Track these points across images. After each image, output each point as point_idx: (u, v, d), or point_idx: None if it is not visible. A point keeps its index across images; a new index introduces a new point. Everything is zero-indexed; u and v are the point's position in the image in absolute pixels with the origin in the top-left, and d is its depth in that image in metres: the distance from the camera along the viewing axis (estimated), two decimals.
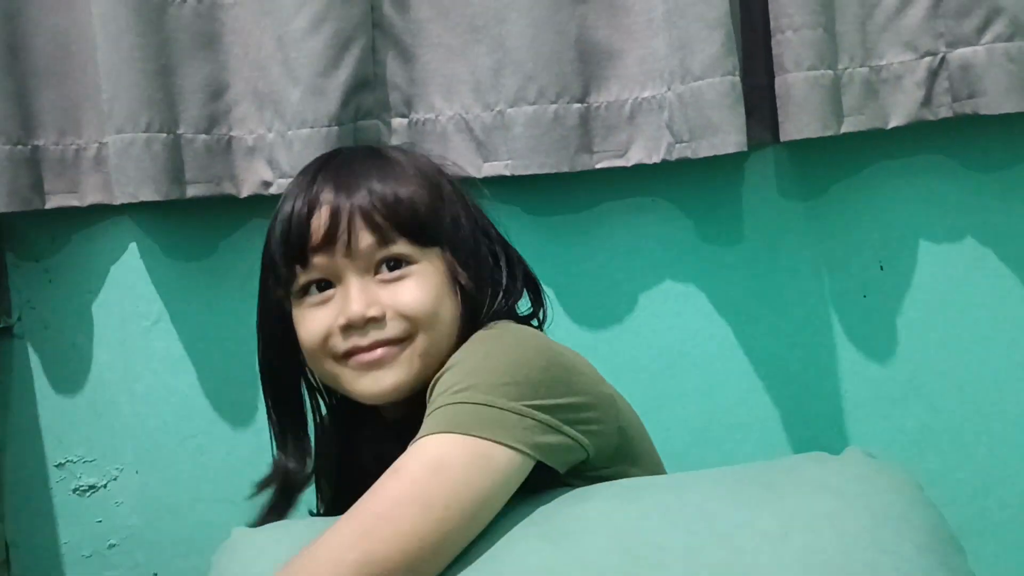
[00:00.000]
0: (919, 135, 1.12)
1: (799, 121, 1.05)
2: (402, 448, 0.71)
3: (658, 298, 1.15)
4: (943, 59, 1.07)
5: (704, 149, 1.05)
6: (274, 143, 1.11)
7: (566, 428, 0.73)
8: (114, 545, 1.17)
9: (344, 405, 0.90)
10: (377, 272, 0.80)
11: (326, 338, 0.80)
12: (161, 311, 1.16)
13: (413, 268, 0.80)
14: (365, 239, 0.79)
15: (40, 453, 1.17)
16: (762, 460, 1.13)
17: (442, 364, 0.77)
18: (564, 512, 0.72)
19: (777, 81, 1.07)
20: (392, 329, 0.79)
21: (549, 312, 0.92)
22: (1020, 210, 1.13)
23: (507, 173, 1.10)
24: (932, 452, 1.15)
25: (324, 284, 0.81)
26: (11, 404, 1.17)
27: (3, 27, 1.09)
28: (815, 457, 0.78)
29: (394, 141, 1.12)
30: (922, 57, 1.08)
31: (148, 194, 1.08)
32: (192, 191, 1.11)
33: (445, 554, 0.68)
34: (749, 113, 1.06)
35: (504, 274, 0.86)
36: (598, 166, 1.11)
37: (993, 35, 1.04)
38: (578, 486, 0.75)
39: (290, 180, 1.06)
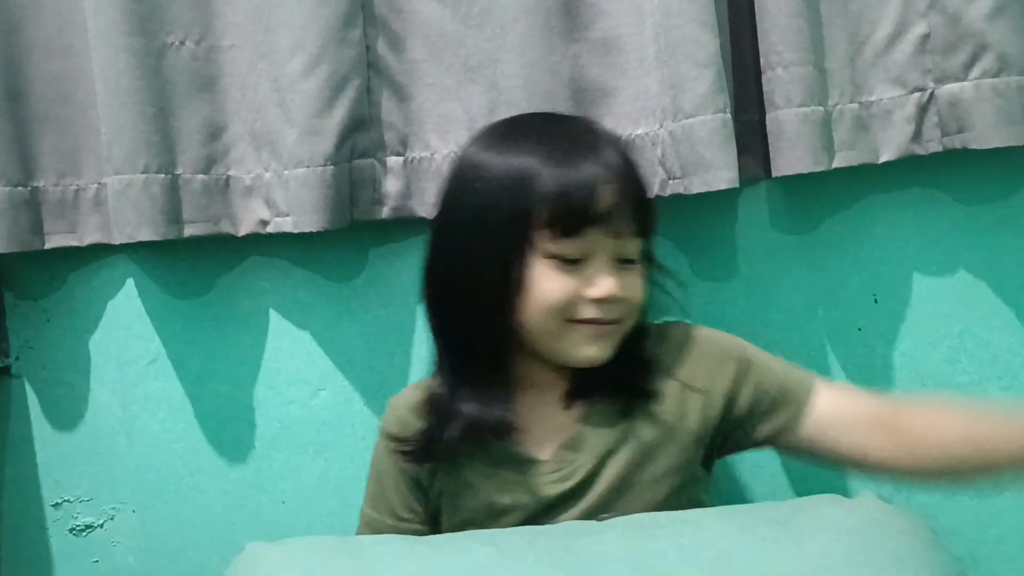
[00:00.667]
0: (910, 169, 1.12)
1: (791, 156, 1.06)
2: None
3: None
4: (932, 94, 1.08)
5: (697, 185, 1.06)
6: (271, 183, 1.12)
7: None
8: None
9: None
10: (619, 256, 0.89)
11: (570, 301, 0.87)
12: (159, 350, 1.17)
13: (637, 264, 0.91)
14: (631, 228, 0.88)
15: (37, 493, 1.17)
16: (762, 494, 1.13)
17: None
18: (582, 545, 0.72)
19: (768, 117, 1.07)
20: (621, 311, 0.89)
21: None
22: (1012, 242, 1.14)
23: None
24: (929, 487, 1.14)
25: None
26: (8, 444, 1.17)
27: (4, 73, 1.11)
28: (830, 499, 0.78)
29: (389, 179, 1.13)
30: (911, 93, 1.09)
31: (146, 234, 1.09)
32: (190, 230, 1.11)
33: None
34: (742, 149, 1.06)
35: None
36: None
37: (980, 70, 1.05)
38: None
39: (287, 218, 1.10)
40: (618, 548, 0.71)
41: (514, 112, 1.07)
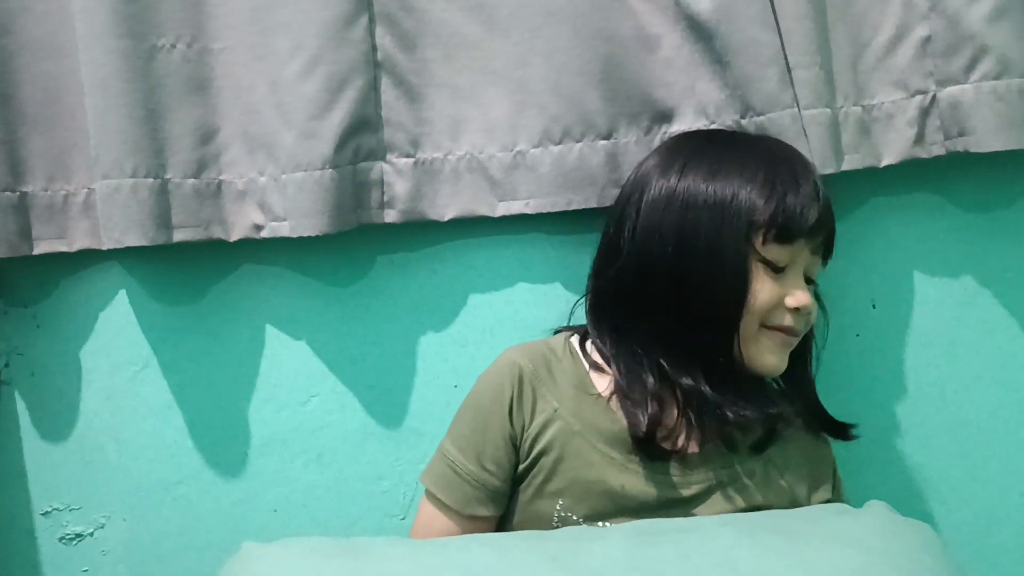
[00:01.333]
0: (912, 173, 1.11)
1: None
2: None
3: None
4: (934, 97, 1.07)
5: None
6: (266, 186, 1.10)
7: None
8: None
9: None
10: (806, 272, 0.96)
11: (773, 306, 0.92)
12: (149, 357, 1.15)
13: (814, 286, 0.98)
14: (823, 247, 0.97)
15: (26, 501, 1.15)
16: None
17: None
18: (587, 550, 0.71)
19: None
20: (805, 324, 0.95)
21: None
22: (1013, 248, 1.13)
23: (529, 211, 1.10)
24: (927, 494, 1.14)
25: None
26: None
27: None
28: (837, 508, 0.77)
29: (399, 182, 1.10)
30: (913, 96, 1.08)
31: (135, 239, 1.07)
32: (180, 235, 1.09)
33: None
34: None
35: None
36: None
37: (980, 73, 1.04)
38: None
39: (284, 223, 1.08)
40: (622, 554, 0.70)
41: (542, 116, 1.08)
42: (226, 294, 1.15)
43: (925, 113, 1.08)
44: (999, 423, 1.14)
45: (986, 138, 1.04)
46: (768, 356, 0.93)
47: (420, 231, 1.14)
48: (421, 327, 1.14)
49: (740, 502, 0.93)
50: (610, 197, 1.07)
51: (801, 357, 1.00)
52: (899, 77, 1.08)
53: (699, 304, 0.92)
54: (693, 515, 0.90)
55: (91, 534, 1.15)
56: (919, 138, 1.08)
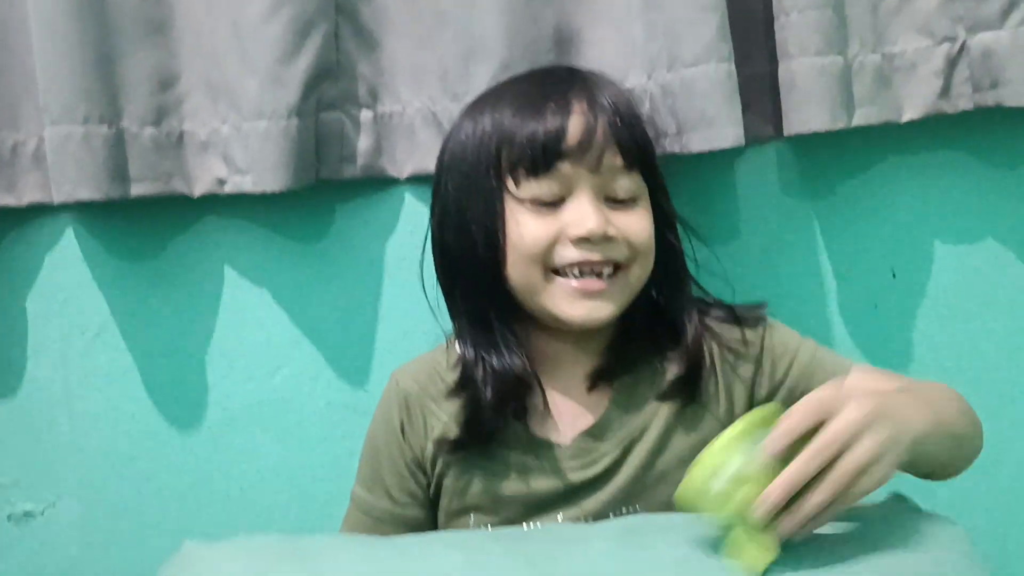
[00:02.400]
0: (936, 129, 1.03)
1: (805, 113, 0.98)
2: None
3: None
4: (963, 45, 0.99)
5: (697, 143, 0.99)
6: (229, 137, 1.04)
7: None
8: None
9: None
10: (607, 194, 0.84)
11: (550, 246, 0.82)
12: (105, 321, 1.08)
13: (638, 200, 0.85)
14: (614, 159, 0.83)
15: None
16: None
17: (634, 303, 0.85)
18: (566, 552, 0.66)
19: (780, 68, 0.99)
20: (616, 252, 0.83)
21: None
22: None
23: None
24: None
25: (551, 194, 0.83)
26: None
27: None
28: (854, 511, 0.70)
29: (362, 136, 1.05)
30: (940, 43, 1.00)
31: (88, 193, 1.01)
32: (137, 189, 1.03)
33: None
34: (747, 106, 0.99)
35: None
36: None
37: (1018, 18, 0.96)
38: None
39: (246, 176, 1.02)
40: (606, 557, 0.63)
41: (491, 62, 1.00)
42: (187, 251, 1.09)
43: (953, 63, 1.00)
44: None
45: (1022, 90, 0.96)
46: (565, 306, 0.82)
47: (379, 185, 1.08)
48: (391, 285, 1.08)
49: (664, 456, 0.86)
50: None
51: (667, 287, 0.89)
52: (924, 22, 1.00)
53: (473, 263, 0.85)
54: (614, 488, 0.85)
55: (42, 513, 1.10)
56: (945, 91, 1.00)
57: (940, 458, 0.75)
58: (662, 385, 0.87)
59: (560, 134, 0.81)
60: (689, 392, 0.86)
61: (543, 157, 0.81)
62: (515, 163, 0.82)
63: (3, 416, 1.08)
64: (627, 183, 0.84)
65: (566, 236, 0.82)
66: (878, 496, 0.72)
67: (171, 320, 1.08)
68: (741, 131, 0.97)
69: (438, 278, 0.91)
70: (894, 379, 0.79)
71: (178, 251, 1.08)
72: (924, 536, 0.66)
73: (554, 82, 0.86)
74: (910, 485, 0.78)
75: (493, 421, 0.85)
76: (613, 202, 0.84)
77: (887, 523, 0.67)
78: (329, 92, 1.03)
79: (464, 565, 0.63)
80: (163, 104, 1.04)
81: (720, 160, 1.04)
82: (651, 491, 0.85)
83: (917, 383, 0.80)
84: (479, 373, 0.85)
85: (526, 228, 0.82)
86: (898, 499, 0.72)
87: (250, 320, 1.09)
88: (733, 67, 0.97)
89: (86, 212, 1.07)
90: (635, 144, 0.84)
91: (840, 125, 0.97)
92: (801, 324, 1.05)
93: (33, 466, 1.08)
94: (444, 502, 0.89)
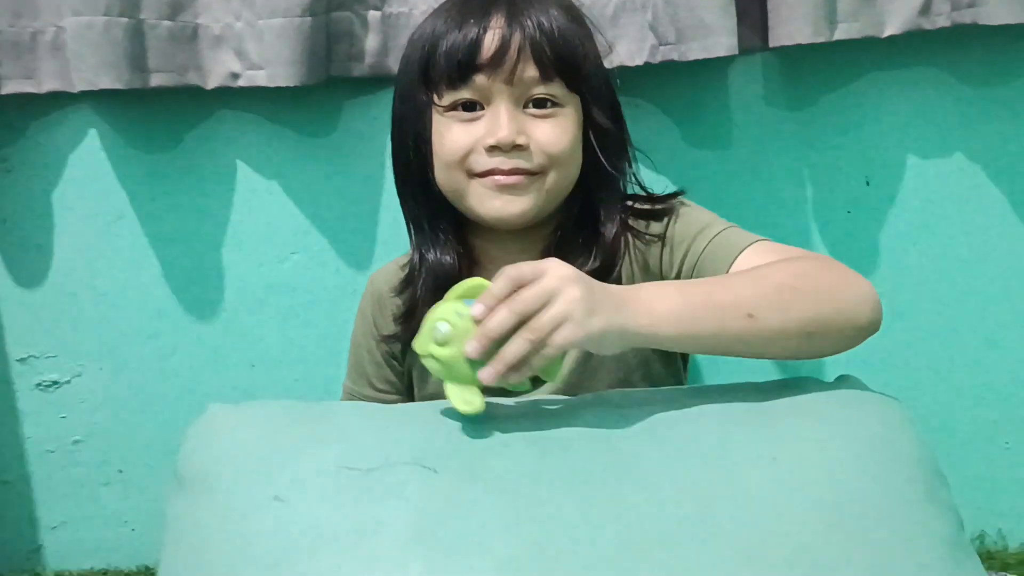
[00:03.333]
0: (915, 46, 1.07)
1: (791, 26, 1.01)
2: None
3: None
4: None
5: (695, 51, 1.02)
6: (243, 33, 1.07)
7: None
8: (79, 441, 1.16)
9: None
10: (526, 105, 0.85)
11: (467, 154, 0.84)
12: (124, 206, 1.13)
13: (560, 110, 0.86)
14: (529, 70, 0.84)
15: (1, 347, 1.15)
16: (740, 375, 1.13)
17: (557, 206, 0.87)
18: (553, 420, 0.71)
19: None
20: (531, 161, 0.84)
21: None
22: (1013, 127, 1.10)
23: None
24: (908, 370, 1.14)
25: (470, 104, 0.85)
26: None
27: None
28: (807, 382, 0.77)
29: (370, 35, 1.08)
30: None
31: (108, 81, 1.03)
32: (156, 80, 1.06)
33: None
34: (738, 17, 1.01)
35: (626, 141, 0.92)
36: None
37: None
38: None
39: (260, 71, 1.05)
40: (589, 427, 0.70)
41: None
42: (201, 141, 1.13)
43: None
44: (985, 305, 1.13)
45: (999, 9, 1.00)
46: (484, 202, 0.85)
47: (387, 84, 1.08)
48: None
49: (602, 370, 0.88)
50: None
51: (601, 189, 0.89)
52: None
53: (410, 169, 0.88)
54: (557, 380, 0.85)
55: (68, 382, 1.16)
56: (925, 8, 1.03)
57: (752, 344, 0.72)
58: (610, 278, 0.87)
59: (475, 47, 0.83)
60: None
61: (458, 70, 0.83)
62: (438, 76, 0.85)
63: (31, 293, 1.14)
64: (548, 88, 0.84)
65: (480, 144, 0.84)
66: (828, 377, 0.79)
67: (187, 208, 1.13)
68: (735, 41, 1.00)
69: (395, 183, 0.94)
70: (782, 252, 0.81)
71: (193, 143, 1.12)
72: (863, 411, 0.73)
73: (490, 2, 0.86)
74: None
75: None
76: (535, 114, 0.85)
77: (829, 399, 0.73)
78: None
79: (461, 427, 0.69)
80: None
81: (710, 69, 1.08)
82: (591, 379, 0.88)
83: (777, 266, 0.77)
84: (419, 270, 0.89)
85: (448, 137, 0.85)
86: (847, 379, 0.78)
87: (261, 209, 1.13)
88: None
89: (105, 104, 1.10)
90: (555, 57, 0.84)
91: (822, 38, 1.01)
92: (779, 226, 1.12)
93: (60, 340, 1.14)
94: (416, 388, 0.95)
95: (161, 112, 1.11)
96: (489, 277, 0.70)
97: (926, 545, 0.64)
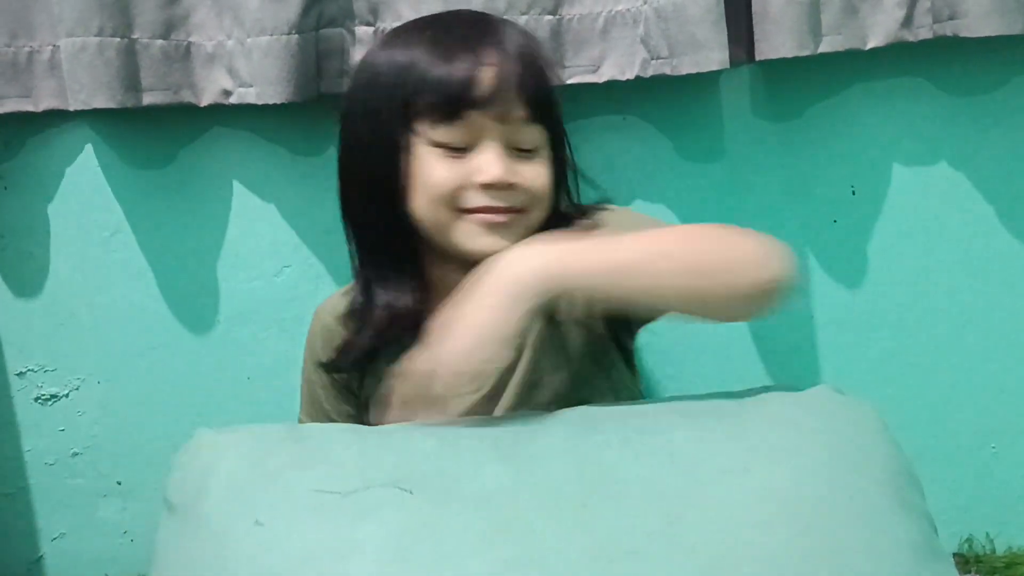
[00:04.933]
0: (898, 57, 1.09)
1: (775, 40, 1.03)
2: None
3: None
4: None
5: (686, 66, 1.03)
6: (233, 51, 1.08)
7: None
8: (77, 454, 1.18)
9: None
10: (511, 144, 0.86)
11: (456, 189, 0.85)
12: (120, 221, 1.14)
13: (539, 151, 0.88)
14: (520, 111, 0.85)
15: (0, 361, 1.17)
16: (726, 383, 1.15)
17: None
18: (528, 437, 0.72)
19: None
20: (517, 200, 0.86)
21: None
22: (996, 137, 1.11)
23: None
24: (894, 379, 1.15)
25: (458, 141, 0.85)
26: None
27: None
28: (782, 391, 0.78)
29: (358, 50, 1.09)
30: None
31: (102, 101, 1.05)
32: (149, 98, 1.08)
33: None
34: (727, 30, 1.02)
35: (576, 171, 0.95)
36: (569, 81, 1.08)
37: None
38: None
39: (251, 89, 1.07)
40: (563, 441, 0.71)
41: None
42: (196, 158, 1.14)
43: None
44: (970, 314, 1.14)
45: (978, 22, 1.01)
46: (473, 239, 0.85)
47: None
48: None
49: (541, 364, 0.88)
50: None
51: (558, 225, 0.90)
52: None
53: (375, 197, 0.87)
54: (503, 404, 0.87)
55: (66, 395, 1.17)
56: (907, 20, 1.05)
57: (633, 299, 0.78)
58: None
59: (471, 84, 0.82)
60: None
61: (453, 105, 0.83)
62: (425, 109, 0.84)
63: (29, 308, 1.15)
64: (530, 134, 0.86)
65: (472, 182, 0.84)
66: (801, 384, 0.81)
67: (182, 223, 1.14)
68: (727, 55, 1.01)
69: (340, 205, 0.93)
70: (649, 224, 0.88)
71: (188, 160, 1.13)
72: (835, 418, 0.74)
73: (466, 27, 0.87)
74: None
75: (368, 351, 0.88)
76: (517, 151, 0.86)
77: (802, 407, 0.74)
78: (330, 9, 1.06)
79: (437, 447, 0.71)
80: (171, 17, 1.08)
81: (700, 83, 1.09)
82: (538, 398, 0.88)
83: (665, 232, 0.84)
84: (367, 305, 0.89)
85: (435, 171, 0.84)
86: (820, 388, 0.79)
87: (255, 225, 1.14)
88: None
89: (101, 121, 1.12)
90: (541, 97, 0.86)
91: (807, 52, 1.02)
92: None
93: (57, 354, 1.16)
94: (373, 417, 0.93)
95: (156, 129, 1.13)
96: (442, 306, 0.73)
97: (894, 551, 0.66)
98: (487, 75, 0.83)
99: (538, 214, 0.88)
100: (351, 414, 0.95)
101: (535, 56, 0.88)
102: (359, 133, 0.89)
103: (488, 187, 0.84)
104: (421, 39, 0.87)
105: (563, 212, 0.92)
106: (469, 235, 0.85)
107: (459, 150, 0.85)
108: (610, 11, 1.07)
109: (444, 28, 0.88)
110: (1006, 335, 1.14)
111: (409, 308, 0.88)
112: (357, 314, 0.91)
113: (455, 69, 0.83)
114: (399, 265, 0.89)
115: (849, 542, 0.65)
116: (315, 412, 0.97)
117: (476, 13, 0.95)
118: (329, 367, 0.93)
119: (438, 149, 0.85)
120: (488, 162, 0.84)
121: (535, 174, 0.87)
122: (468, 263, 0.85)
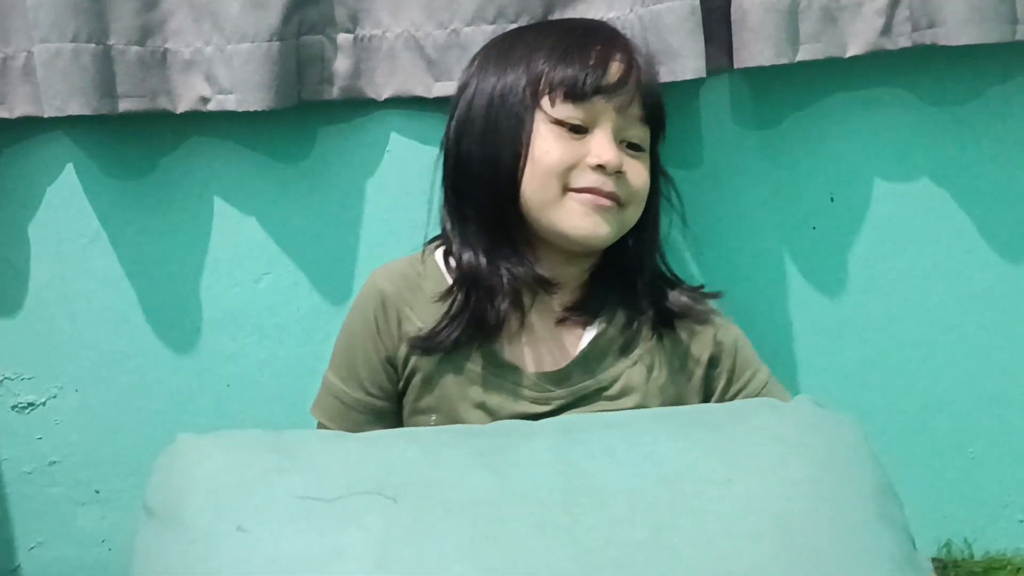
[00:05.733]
0: (877, 66, 1.09)
1: (753, 48, 1.03)
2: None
3: None
4: None
5: (664, 74, 1.03)
6: (212, 57, 1.07)
7: None
8: (55, 462, 1.17)
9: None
10: (622, 138, 0.92)
11: (571, 167, 0.90)
12: (98, 229, 1.14)
13: (644, 153, 0.95)
14: (637, 108, 0.93)
15: None
16: None
17: (618, 244, 0.94)
18: (512, 446, 0.73)
19: (732, 6, 1.04)
20: (621, 189, 0.91)
21: None
22: (974, 145, 1.12)
23: None
24: (873, 385, 1.16)
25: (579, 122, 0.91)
26: None
27: None
28: (765, 403, 0.79)
29: (340, 58, 1.09)
30: None
31: (77, 107, 1.04)
32: (125, 105, 1.07)
33: None
34: (707, 38, 1.03)
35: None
36: None
37: None
38: None
39: (230, 96, 1.06)
40: (547, 450, 0.71)
41: None
42: (175, 167, 1.13)
43: (895, 3, 1.05)
44: (948, 320, 1.15)
45: (956, 31, 1.02)
46: (575, 218, 0.90)
47: (361, 108, 1.12)
48: (368, 202, 1.13)
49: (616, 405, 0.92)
50: None
51: (640, 240, 0.97)
52: None
53: (492, 174, 0.91)
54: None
55: (44, 403, 1.16)
56: (886, 29, 1.05)
57: None
58: (634, 345, 0.94)
59: (604, 68, 0.90)
60: (640, 348, 0.94)
61: (584, 85, 0.89)
62: (555, 85, 0.89)
63: (6, 315, 1.14)
64: (640, 132, 0.94)
65: (586, 162, 0.90)
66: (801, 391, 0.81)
67: (160, 231, 1.13)
68: (703, 64, 1.02)
69: (447, 187, 0.96)
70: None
71: (167, 168, 1.13)
72: (817, 431, 0.75)
73: (597, 31, 0.94)
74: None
75: (467, 331, 0.91)
76: (625, 146, 0.92)
77: (785, 420, 0.75)
78: (310, 16, 1.06)
79: (421, 455, 0.71)
80: (147, 23, 1.07)
81: (680, 90, 1.08)
82: None
83: None
84: (492, 279, 0.91)
85: (552, 146, 0.89)
86: (802, 399, 0.80)
87: (235, 232, 1.14)
88: (697, 3, 1.01)
89: (79, 129, 1.11)
90: (656, 100, 0.94)
91: (785, 60, 1.03)
92: (744, 242, 1.14)
93: (35, 361, 1.15)
94: (410, 398, 0.95)
95: (134, 137, 1.12)
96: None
97: (874, 564, 0.66)
98: (615, 67, 0.90)
99: (633, 212, 0.93)
100: (386, 389, 0.96)
101: (652, 64, 0.96)
102: (481, 111, 0.93)
103: (599, 168, 0.89)
104: (552, 29, 0.95)
105: (667, 276, 0.99)
106: (572, 213, 0.90)
107: (577, 131, 0.90)
108: (601, 18, 1.07)
109: (575, 28, 0.95)
110: (983, 342, 1.15)
111: (535, 275, 0.91)
112: (461, 290, 0.92)
113: (591, 52, 0.90)
114: (514, 242, 0.92)
115: (831, 554, 0.65)
116: (348, 379, 0.97)
117: (594, 20, 1.02)
118: (418, 344, 0.93)
119: (557, 128, 0.90)
120: (602, 145, 0.90)
121: (639, 171, 0.93)
122: (556, 262, 0.93)
